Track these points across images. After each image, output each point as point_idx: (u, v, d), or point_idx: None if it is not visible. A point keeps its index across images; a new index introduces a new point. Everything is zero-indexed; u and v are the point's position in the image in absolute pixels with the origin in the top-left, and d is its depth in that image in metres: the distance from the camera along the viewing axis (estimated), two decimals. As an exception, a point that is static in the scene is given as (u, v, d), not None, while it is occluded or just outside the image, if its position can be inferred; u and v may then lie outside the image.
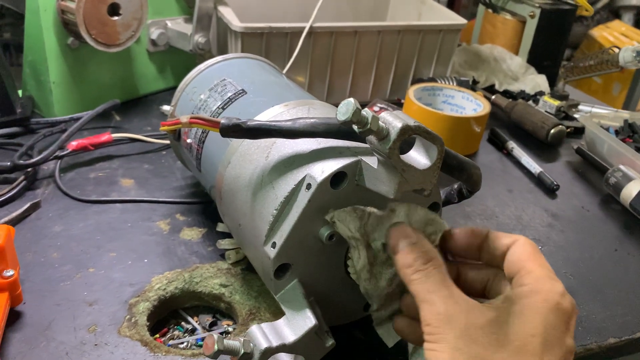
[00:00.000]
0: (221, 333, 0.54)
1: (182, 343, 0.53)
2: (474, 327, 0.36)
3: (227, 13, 0.87)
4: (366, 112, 0.38)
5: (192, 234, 0.63)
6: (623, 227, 0.72)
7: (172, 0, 0.91)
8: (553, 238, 0.69)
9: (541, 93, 1.01)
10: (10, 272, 0.49)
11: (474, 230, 0.43)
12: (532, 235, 0.68)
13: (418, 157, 0.41)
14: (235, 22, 0.84)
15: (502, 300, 0.38)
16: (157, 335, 0.53)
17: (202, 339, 0.54)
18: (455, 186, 0.55)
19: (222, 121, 0.46)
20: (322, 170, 0.43)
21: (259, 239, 0.46)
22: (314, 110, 0.53)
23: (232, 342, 0.41)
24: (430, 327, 0.37)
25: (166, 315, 0.56)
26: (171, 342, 0.53)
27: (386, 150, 0.38)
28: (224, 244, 0.60)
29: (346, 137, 0.45)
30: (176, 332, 0.55)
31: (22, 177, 0.68)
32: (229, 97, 0.57)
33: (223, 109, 0.57)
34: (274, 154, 0.48)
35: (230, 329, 0.55)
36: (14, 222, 0.61)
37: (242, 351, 0.41)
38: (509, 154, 0.87)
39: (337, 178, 0.43)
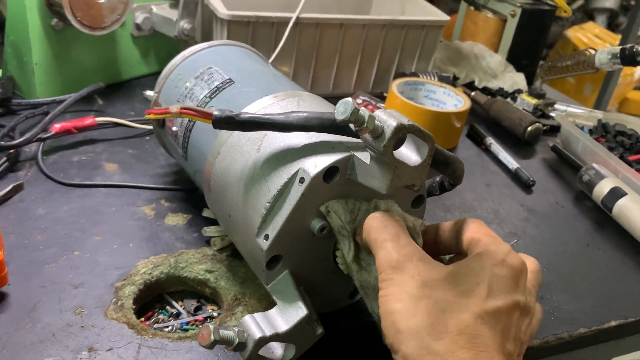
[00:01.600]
0: (206, 318, 0.55)
1: (167, 327, 0.54)
2: (432, 279, 0.39)
3: (214, 0, 0.87)
4: (363, 111, 0.40)
5: (177, 219, 0.63)
6: (594, 223, 0.75)
7: (158, -15, 0.91)
8: (529, 232, 0.71)
9: (519, 91, 1.04)
10: (-5, 253, 0.49)
11: (426, 228, 0.47)
12: (508, 229, 0.71)
13: (409, 153, 0.43)
14: (221, 10, 0.84)
15: (455, 263, 0.41)
16: (142, 319, 0.54)
17: (187, 323, 0.54)
18: (437, 179, 0.57)
19: (215, 113, 0.47)
20: (315, 164, 0.44)
21: (250, 230, 0.46)
22: (304, 103, 0.54)
23: (227, 332, 0.42)
24: (383, 274, 0.40)
25: (151, 300, 0.57)
26: (156, 325, 0.54)
27: (381, 148, 0.39)
28: (209, 231, 0.61)
29: (338, 131, 0.46)
30: (161, 316, 0.55)
31: (4, 159, 0.67)
32: (216, 86, 0.57)
33: (210, 98, 0.57)
34: (266, 146, 0.48)
35: (215, 314, 0.55)
36: (-4, 204, 0.61)
37: (237, 341, 0.42)
38: (487, 150, 0.89)
39: (329, 172, 0.44)
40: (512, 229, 0.71)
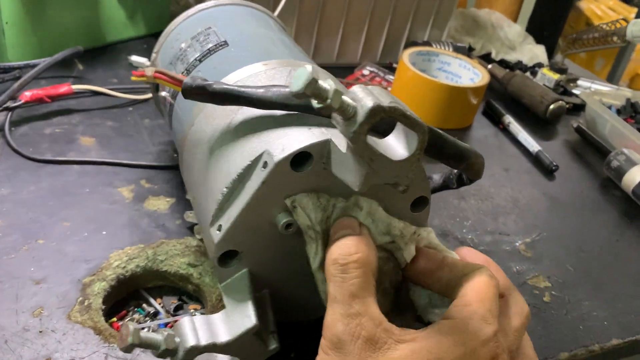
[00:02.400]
0: (187, 318, 0.48)
1: (143, 328, 0.47)
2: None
3: (207, -44, 0.78)
4: (328, 84, 0.31)
5: (159, 203, 0.56)
6: (624, 216, 0.68)
7: (146, -63, 0.82)
8: (551, 224, 0.64)
9: (540, 65, 0.96)
10: (-60, 245, 0.42)
11: (428, 254, 0.38)
12: (530, 220, 0.64)
13: (395, 144, 0.34)
14: (216, -33, 0.75)
15: (420, 332, 0.33)
16: (115, 319, 0.47)
17: (166, 325, 0.48)
18: (456, 171, 0.49)
19: (185, 80, 0.39)
20: (283, 147, 0.36)
21: (207, 217, 0.39)
22: None
23: (152, 336, 0.35)
24: (321, 345, 0.32)
25: (126, 296, 0.50)
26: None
27: (350, 133, 0.31)
28: (191, 216, 0.54)
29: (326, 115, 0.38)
30: (136, 316, 0.48)
31: (-35, 130, 0.59)
32: (208, 49, 0.50)
33: (200, 61, 0.50)
34: (237, 120, 0.41)
35: (198, 314, 0.49)
36: (-48, 182, 0.54)
37: (163, 347, 0.35)
38: (505, 129, 0.81)
39: (299, 158, 0.36)
40: (534, 220, 0.64)
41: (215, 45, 0.50)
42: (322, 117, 0.38)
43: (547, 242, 0.61)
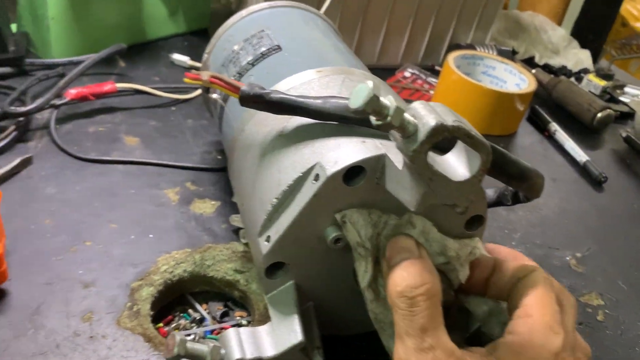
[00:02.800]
0: (233, 326, 0.48)
1: (189, 335, 0.47)
2: None
3: (252, -46, 0.77)
4: (389, 101, 0.30)
5: (205, 207, 0.56)
6: (678, 230, 0.65)
7: None
8: (602, 237, 0.62)
9: (585, 70, 0.93)
10: (-7, 246, 0.42)
11: (480, 262, 0.37)
12: (579, 233, 0.62)
13: (456, 163, 0.33)
14: (260, -35, 0.75)
15: (488, 351, 0.32)
16: (161, 324, 0.47)
17: (211, 332, 0.47)
18: (511, 188, 0.47)
19: (243, 88, 0.39)
20: (336, 160, 0.35)
21: (255, 227, 0.38)
22: (350, 83, 0.44)
23: (198, 347, 0.35)
24: None
25: (171, 301, 0.49)
26: (176, 332, 0.46)
27: (410, 152, 0.30)
28: (237, 220, 0.53)
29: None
30: (182, 321, 0.48)
31: (12, 127, 0.59)
32: (261, 53, 0.49)
33: (252, 65, 0.49)
34: (289, 128, 0.40)
35: (244, 322, 0.48)
36: (1, 180, 0.53)
37: (209, 358, 0.35)
38: (551, 137, 0.79)
39: (352, 172, 0.35)
40: (584, 233, 0.62)
41: (268, 49, 0.49)
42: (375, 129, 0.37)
43: (598, 256, 0.59)
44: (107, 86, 0.66)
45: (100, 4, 0.75)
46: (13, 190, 0.53)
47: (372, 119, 0.31)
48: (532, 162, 0.71)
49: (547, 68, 0.95)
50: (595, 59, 1.01)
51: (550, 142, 0.79)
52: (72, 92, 0.64)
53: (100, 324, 0.43)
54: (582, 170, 0.73)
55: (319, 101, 0.38)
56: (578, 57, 0.97)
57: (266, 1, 0.58)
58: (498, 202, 0.49)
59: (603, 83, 0.88)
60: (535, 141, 0.78)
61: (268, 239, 0.37)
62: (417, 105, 0.31)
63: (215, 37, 0.55)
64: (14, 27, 0.75)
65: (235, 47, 0.51)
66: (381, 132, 0.36)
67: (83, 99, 0.65)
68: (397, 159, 0.34)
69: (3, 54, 0.68)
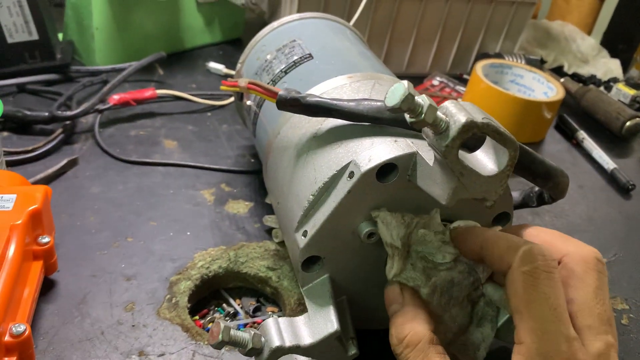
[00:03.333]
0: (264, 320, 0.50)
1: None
2: None
3: (286, -34, 0.80)
4: (422, 99, 0.32)
5: (239, 207, 0.58)
6: None
7: (226, -52, 0.84)
8: (630, 244, 0.62)
9: (615, 79, 0.93)
10: (46, 239, 0.45)
11: (464, 236, 0.37)
12: (606, 240, 0.62)
13: (485, 159, 0.35)
14: (294, -23, 0.77)
15: None
16: (197, 317, 0.49)
17: (244, 325, 0.49)
18: (537, 189, 0.49)
19: (280, 92, 0.41)
20: (370, 158, 0.36)
21: (292, 223, 0.40)
22: (380, 87, 0.46)
23: (241, 334, 0.37)
24: None
25: (207, 295, 0.52)
26: (210, 325, 0.49)
27: (442, 147, 0.32)
28: (270, 220, 0.56)
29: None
30: (216, 315, 0.50)
31: (60, 130, 0.63)
32: (293, 61, 0.51)
33: (286, 73, 0.51)
34: (324, 129, 0.42)
35: (276, 317, 0.50)
36: (50, 179, 0.57)
37: (250, 346, 0.37)
38: (579, 145, 0.80)
39: (385, 170, 0.36)
40: (610, 240, 0.63)
41: (300, 57, 0.52)
42: (408, 129, 0.39)
43: (624, 263, 0.60)
44: (148, 92, 0.69)
45: (141, 14, 0.78)
46: (60, 189, 0.57)
47: (407, 116, 0.33)
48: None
49: (576, 77, 0.95)
50: (625, 68, 1.01)
51: (578, 150, 0.79)
52: (115, 97, 0.67)
53: (141, 314, 0.45)
54: (610, 178, 0.73)
55: (352, 103, 0.40)
56: (607, 67, 0.97)
57: (297, 13, 0.60)
58: (523, 203, 0.50)
59: (633, 92, 0.88)
60: (563, 149, 0.79)
61: (305, 234, 0.39)
62: (449, 104, 0.33)
63: (248, 48, 0.58)
64: (60, 37, 0.79)
65: (268, 57, 0.54)
66: (412, 131, 0.38)
67: (125, 104, 0.68)
68: (428, 156, 0.36)
69: (51, 62, 0.72)
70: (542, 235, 0.39)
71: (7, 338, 0.37)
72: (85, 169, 0.60)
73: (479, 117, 0.32)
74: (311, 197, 0.39)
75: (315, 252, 0.40)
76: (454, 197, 0.34)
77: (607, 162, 0.75)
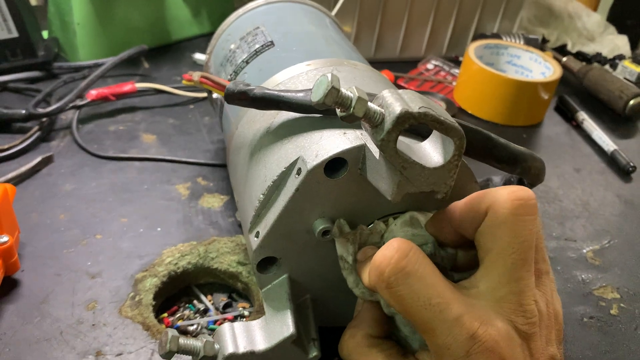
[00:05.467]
0: (235, 317, 0.49)
1: (192, 325, 0.48)
2: None
3: (269, -48, 0.78)
4: (351, 92, 0.30)
5: (213, 201, 0.57)
6: None
7: (210, -64, 0.83)
8: (625, 230, 0.59)
9: (621, 57, 0.89)
10: (4, 238, 0.44)
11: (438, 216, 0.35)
12: (600, 226, 0.59)
13: (431, 150, 0.32)
14: (276, -37, 0.75)
15: None
16: (166, 315, 0.48)
17: (214, 322, 0.48)
18: (505, 172, 0.46)
19: (228, 85, 0.39)
20: (317, 153, 0.34)
21: (246, 224, 0.39)
22: (339, 74, 0.44)
23: (192, 343, 0.36)
24: None
25: (177, 292, 0.51)
26: (180, 323, 0.48)
27: (378, 141, 0.29)
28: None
29: None
30: (187, 312, 0.49)
31: (36, 127, 0.63)
32: (255, 50, 0.49)
33: (247, 62, 0.49)
34: (276, 124, 0.40)
35: (246, 313, 0.49)
36: (22, 178, 0.57)
37: (202, 354, 0.35)
38: (579, 127, 0.76)
39: (333, 165, 0.34)
40: (605, 225, 0.59)
41: (262, 45, 0.50)
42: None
43: (618, 249, 0.57)
44: (127, 86, 0.68)
45: (124, 8, 0.77)
46: (33, 187, 0.56)
47: (337, 110, 0.31)
48: (557, 153, 0.69)
49: (580, 56, 0.91)
50: (635, 44, 0.97)
51: (578, 132, 0.76)
52: (93, 93, 0.66)
53: (102, 312, 0.45)
54: (610, 160, 0.70)
55: (300, 94, 0.38)
56: (614, 44, 0.93)
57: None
58: (504, 189, 0.48)
59: (639, 69, 0.84)
60: (562, 131, 0.76)
61: (257, 235, 0.37)
62: (385, 94, 0.30)
63: (214, 37, 0.56)
64: (45, 34, 0.79)
65: (232, 46, 0.52)
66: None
67: (104, 99, 0.67)
68: (375, 148, 0.34)
69: (32, 59, 0.72)
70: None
71: (-47, 341, 0.36)
72: (60, 166, 0.59)
73: (415, 107, 0.29)
74: (261, 196, 0.37)
75: (269, 253, 0.38)
76: (400, 192, 0.31)
77: (608, 143, 0.71)
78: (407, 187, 0.31)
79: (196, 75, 0.42)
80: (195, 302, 0.50)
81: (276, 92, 0.38)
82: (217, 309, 0.50)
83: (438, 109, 0.31)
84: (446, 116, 0.31)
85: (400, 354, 0.34)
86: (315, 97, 0.30)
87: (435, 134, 0.33)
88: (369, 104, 0.29)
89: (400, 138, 0.30)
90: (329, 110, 0.37)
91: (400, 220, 0.37)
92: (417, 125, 0.30)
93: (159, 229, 0.53)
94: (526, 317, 0.31)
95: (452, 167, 0.31)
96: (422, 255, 0.31)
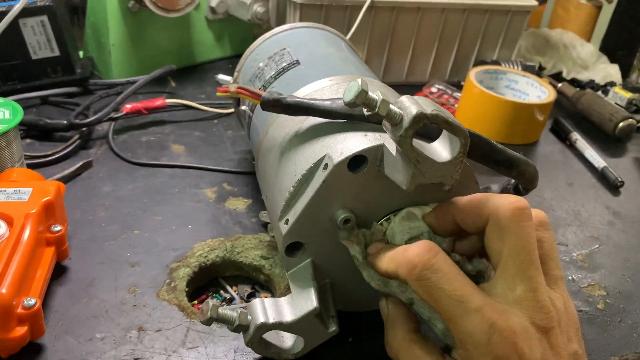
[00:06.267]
0: (258, 305, 0.54)
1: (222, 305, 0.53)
2: None
3: (288, -17, 0.86)
4: (377, 95, 0.36)
5: (238, 203, 0.63)
6: (692, 232, 0.67)
7: (233, -32, 0.90)
8: (613, 237, 0.65)
9: (612, 84, 0.96)
10: (57, 228, 0.50)
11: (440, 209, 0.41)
12: (590, 233, 0.65)
13: (440, 149, 0.38)
14: (295, -7, 0.83)
15: None
16: (196, 302, 0.53)
17: (240, 309, 0.53)
18: (513, 181, 0.52)
19: (264, 94, 0.46)
20: (341, 151, 0.40)
21: (276, 213, 0.45)
22: None
23: (228, 312, 0.41)
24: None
25: (206, 283, 0.56)
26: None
27: (397, 137, 0.36)
28: (265, 215, 0.60)
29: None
30: (214, 300, 0.54)
31: (76, 136, 0.69)
32: (282, 67, 0.56)
33: (275, 78, 0.56)
34: (304, 128, 0.46)
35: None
36: (66, 180, 0.62)
37: (237, 322, 0.41)
38: (572, 146, 0.83)
39: (356, 161, 0.40)
40: (594, 233, 0.65)
41: (289, 64, 0.56)
42: (378, 124, 0.43)
43: (606, 254, 0.62)
44: (158, 101, 0.75)
45: (155, 31, 0.85)
46: (76, 188, 0.62)
47: (364, 110, 0.37)
48: (552, 169, 0.75)
49: (574, 82, 0.98)
50: (625, 73, 1.03)
51: (572, 150, 0.82)
52: (128, 106, 0.73)
53: (142, 295, 0.50)
54: (600, 175, 0.76)
55: (327, 102, 0.45)
56: (606, 72, 0.99)
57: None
58: (502, 195, 0.54)
59: (629, 95, 0.91)
60: (556, 150, 0.82)
61: (287, 222, 0.43)
62: (403, 99, 0.37)
63: (244, 57, 0.63)
64: (81, 54, 0.86)
65: (261, 64, 0.59)
66: (381, 127, 0.42)
67: (137, 112, 0.74)
68: (392, 147, 0.40)
69: (71, 76, 0.78)
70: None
71: (19, 310, 0.42)
72: (98, 170, 0.65)
73: (428, 109, 0.36)
74: (291, 188, 0.43)
75: (296, 239, 0.44)
76: (413, 182, 0.37)
77: (598, 161, 0.77)
78: (420, 179, 0.37)
79: (233, 87, 0.49)
80: (221, 292, 0.56)
81: (307, 100, 0.44)
82: (241, 298, 0.55)
83: (447, 112, 0.37)
84: (453, 119, 0.37)
85: (439, 353, 0.38)
86: (348, 97, 0.36)
87: (444, 135, 0.39)
88: (391, 105, 0.36)
89: (415, 140, 0.36)
90: (352, 116, 0.44)
91: (398, 217, 0.43)
92: (428, 129, 0.37)
93: (189, 226, 0.59)
94: (543, 312, 0.35)
95: (458, 162, 0.37)
96: (447, 257, 0.37)
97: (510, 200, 0.37)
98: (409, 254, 0.36)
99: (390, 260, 0.38)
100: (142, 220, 0.59)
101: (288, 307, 0.43)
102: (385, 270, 0.39)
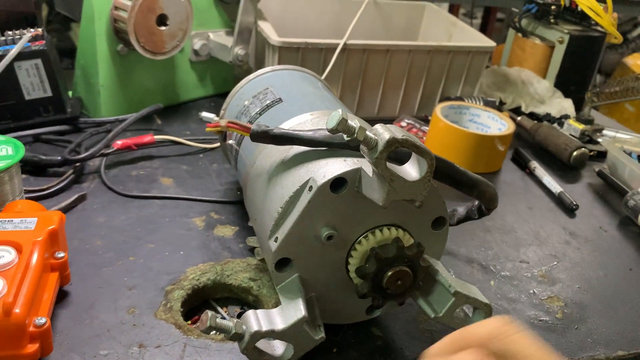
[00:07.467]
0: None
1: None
2: None
3: (266, 28, 0.92)
4: (355, 123, 0.42)
5: (225, 231, 0.67)
6: (639, 249, 0.74)
7: (215, 14, 0.97)
8: (569, 254, 0.71)
9: (566, 116, 1.04)
10: (61, 254, 0.54)
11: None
12: (548, 251, 0.71)
13: (410, 169, 0.45)
14: (273, 37, 0.89)
15: None
16: (189, 322, 0.57)
17: (230, 328, 0.58)
18: (476, 203, 0.58)
19: (253, 127, 0.51)
20: (324, 174, 0.46)
21: (266, 233, 0.50)
22: None
23: (225, 322, 0.45)
24: None
25: (198, 304, 0.60)
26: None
27: (373, 159, 0.42)
28: (252, 241, 0.65)
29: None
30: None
31: (70, 171, 0.73)
32: (266, 104, 0.62)
33: (260, 114, 0.61)
34: (289, 156, 0.52)
35: (257, 320, 0.58)
36: (62, 211, 0.66)
37: (234, 331, 0.45)
38: (531, 174, 0.90)
39: (337, 183, 0.46)
40: (552, 251, 0.71)
41: (272, 101, 0.62)
42: (354, 151, 0.49)
43: (563, 269, 0.68)
44: (147, 138, 0.80)
45: (141, 73, 0.90)
46: (71, 219, 0.66)
47: (344, 136, 0.43)
48: (514, 194, 0.82)
49: (532, 116, 1.06)
50: (579, 106, 1.12)
51: (531, 177, 0.89)
52: (119, 143, 0.77)
53: (141, 316, 0.54)
54: (557, 200, 0.83)
55: (310, 132, 0.50)
56: (561, 106, 1.08)
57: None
58: (467, 216, 0.60)
59: (582, 127, 0.99)
60: (517, 177, 0.89)
61: (276, 240, 0.48)
62: (377, 126, 0.43)
63: (230, 96, 0.69)
64: (70, 94, 0.90)
65: (246, 103, 0.65)
66: (359, 153, 0.48)
67: (127, 148, 0.78)
68: (369, 169, 0.45)
69: (62, 115, 0.83)
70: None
71: (31, 328, 0.45)
72: (92, 203, 0.69)
73: (399, 135, 0.42)
74: (280, 209, 0.48)
75: (285, 254, 0.49)
76: (388, 198, 0.43)
77: (555, 186, 0.84)
78: (394, 195, 0.43)
79: (223, 122, 0.54)
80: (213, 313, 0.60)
81: (292, 131, 0.50)
82: (231, 317, 0.59)
83: (415, 138, 0.43)
84: (420, 143, 0.43)
85: None
86: (331, 124, 0.42)
87: (413, 158, 0.45)
88: (367, 131, 0.41)
89: (388, 162, 0.42)
90: (332, 144, 0.50)
91: None
92: (399, 153, 0.43)
93: (181, 252, 0.63)
94: None
95: (426, 180, 0.43)
96: None
97: (487, 331, 0.36)
98: None
99: None
100: (136, 248, 0.63)
101: (279, 316, 0.48)
102: None
